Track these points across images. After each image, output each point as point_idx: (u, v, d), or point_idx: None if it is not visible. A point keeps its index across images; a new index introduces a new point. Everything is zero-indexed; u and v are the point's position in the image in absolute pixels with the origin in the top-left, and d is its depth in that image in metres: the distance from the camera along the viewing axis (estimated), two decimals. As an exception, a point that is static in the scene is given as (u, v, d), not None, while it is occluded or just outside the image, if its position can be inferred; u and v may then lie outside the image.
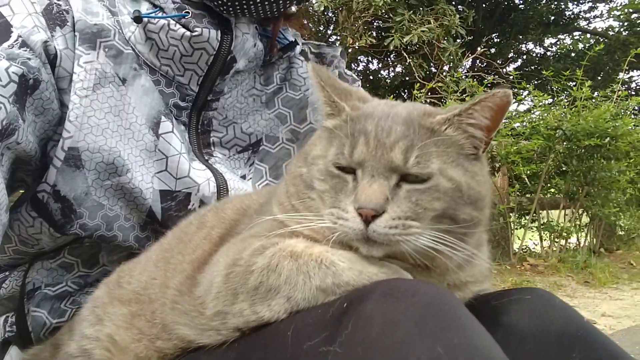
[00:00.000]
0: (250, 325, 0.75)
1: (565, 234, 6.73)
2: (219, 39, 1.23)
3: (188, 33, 1.20)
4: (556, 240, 6.78)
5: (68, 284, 1.22)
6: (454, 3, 10.19)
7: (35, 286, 1.21)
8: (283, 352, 0.68)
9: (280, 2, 1.23)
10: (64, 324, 1.17)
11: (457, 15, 8.06)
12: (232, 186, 1.27)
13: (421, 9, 8.29)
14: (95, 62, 1.15)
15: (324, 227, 0.75)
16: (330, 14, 9.48)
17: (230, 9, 1.21)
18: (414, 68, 8.42)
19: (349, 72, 1.55)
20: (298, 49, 1.44)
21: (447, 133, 0.75)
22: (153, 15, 1.21)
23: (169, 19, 1.20)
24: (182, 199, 1.22)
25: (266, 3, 1.22)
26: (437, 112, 0.78)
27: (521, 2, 14.43)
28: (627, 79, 14.79)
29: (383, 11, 8.07)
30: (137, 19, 1.19)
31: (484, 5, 13.17)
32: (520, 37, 14.84)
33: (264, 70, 1.41)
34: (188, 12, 1.21)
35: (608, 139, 6.05)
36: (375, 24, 9.16)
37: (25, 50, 1.05)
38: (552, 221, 6.82)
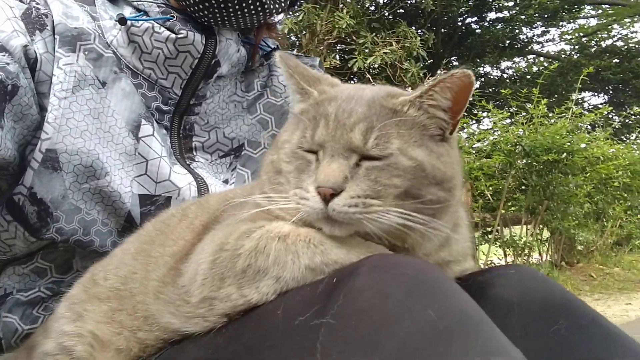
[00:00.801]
0: (237, 310, 0.74)
1: (528, 249, 6.90)
2: (204, 42, 1.23)
3: (173, 35, 1.20)
4: (519, 255, 6.93)
5: (41, 290, 1.18)
6: (414, 27, 10.47)
7: (6, 292, 1.17)
8: (273, 332, 0.68)
9: (261, 14, 1.25)
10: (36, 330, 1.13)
11: (418, 38, 8.28)
12: (214, 191, 1.26)
13: (383, 31, 8.48)
14: (75, 64, 1.15)
15: (290, 207, 0.75)
16: (294, 37, 9.60)
17: (212, 20, 1.23)
18: (377, 89, 8.55)
19: None
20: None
21: (409, 114, 0.76)
22: (138, 18, 1.21)
23: (153, 21, 1.20)
24: (162, 203, 1.20)
25: (247, 16, 1.24)
26: (401, 94, 0.79)
27: (478, 26, 14.96)
28: (579, 99, 15.45)
29: (346, 34, 8.22)
30: (122, 20, 1.19)
31: (442, 30, 13.57)
32: (478, 60, 15.33)
33: (245, 77, 1.42)
34: (173, 16, 1.21)
35: (565, 154, 6.28)
36: (338, 46, 9.31)
37: (4, 55, 1.04)
38: (514, 236, 6.98)
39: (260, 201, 0.80)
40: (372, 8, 9.94)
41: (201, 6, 1.19)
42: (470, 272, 0.89)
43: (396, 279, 0.62)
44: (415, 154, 0.74)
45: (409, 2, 10.91)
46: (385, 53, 7.93)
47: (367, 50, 8.06)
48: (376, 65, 8.23)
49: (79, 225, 1.14)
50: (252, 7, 1.22)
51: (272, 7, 1.26)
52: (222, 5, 1.19)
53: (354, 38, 8.33)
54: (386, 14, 9.64)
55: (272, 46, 1.45)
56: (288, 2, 1.33)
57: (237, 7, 1.20)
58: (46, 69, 1.12)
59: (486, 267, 0.86)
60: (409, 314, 0.58)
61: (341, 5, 8.17)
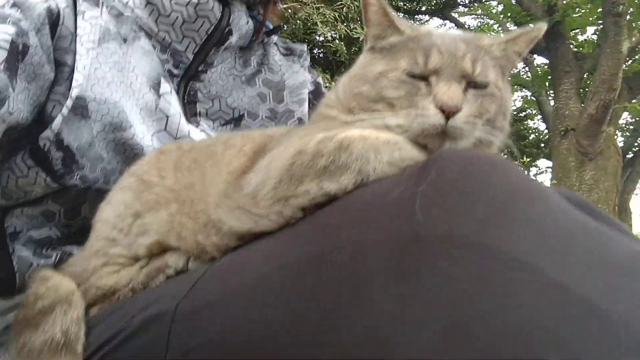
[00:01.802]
0: (316, 202, 0.75)
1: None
2: (221, 10, 1.28)
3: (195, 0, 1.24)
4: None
5: (52, 230, 1.16)
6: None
7: (16, 229, 1.13)
8: (362, 210, 0.71)
9: None
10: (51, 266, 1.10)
11: (334, 83, 8.66)
12: None
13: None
14: (100, 18, 1.16)
15: (402, 123, 0.80)
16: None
17: None
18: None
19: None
20: (274, 37, 1.53)
21: (495, 54, 0.89)
22: None
23: None
24: None
25: None
26: (483, 37, 0.92)
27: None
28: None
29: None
30: None
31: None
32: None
33: (242, 53, 1.47)
34: None
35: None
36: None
37: (17, 11, 1.04)
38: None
39: (366, 118, 0.84)
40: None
41: None
42: None
43: (477, 159, 0.70)
44: (501, 85, 0.87)
45: (320, 52, 11.45)
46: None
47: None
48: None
49: (102, 173, 1.14)
50: None
51: None
52: None
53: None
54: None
55: (271, 25, 1.51)
56: None
57: None
58: (68, 24, 1.12)
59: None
60: (497, 178, 0.67)
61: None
